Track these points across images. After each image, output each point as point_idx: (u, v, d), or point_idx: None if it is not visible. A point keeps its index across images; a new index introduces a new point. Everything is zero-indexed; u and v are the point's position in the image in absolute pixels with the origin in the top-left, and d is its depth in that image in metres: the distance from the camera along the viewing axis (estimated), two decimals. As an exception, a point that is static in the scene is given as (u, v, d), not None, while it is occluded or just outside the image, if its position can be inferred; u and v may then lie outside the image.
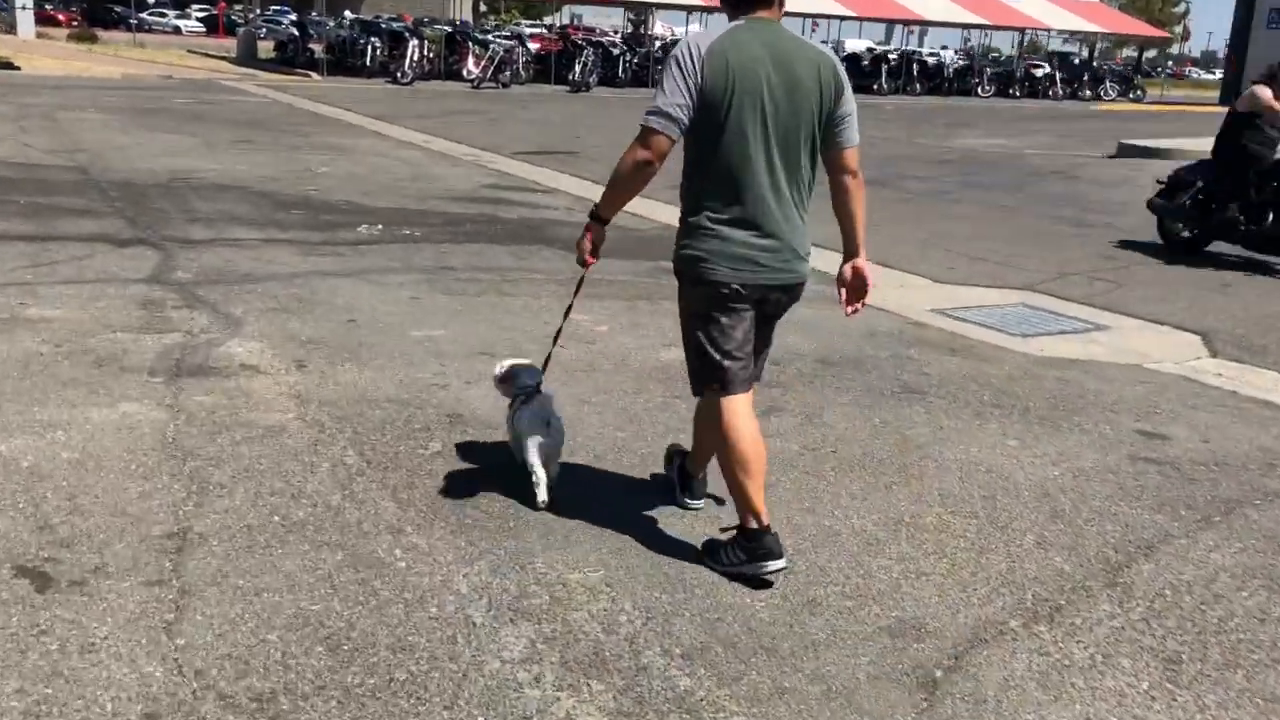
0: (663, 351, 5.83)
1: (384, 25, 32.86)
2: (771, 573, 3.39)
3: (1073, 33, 42.51)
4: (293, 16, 48.57)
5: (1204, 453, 4.82)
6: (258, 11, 44.13)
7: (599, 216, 3.49)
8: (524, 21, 60.44)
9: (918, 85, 36.91)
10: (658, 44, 35.67)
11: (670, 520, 3.81)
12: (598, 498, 3.97)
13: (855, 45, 45.35)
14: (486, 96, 25.82)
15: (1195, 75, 79.20)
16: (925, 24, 39.09)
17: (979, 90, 37.95)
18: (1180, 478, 4.50)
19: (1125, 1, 60.92)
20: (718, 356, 3.44)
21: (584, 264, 3.56)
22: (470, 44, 31.26)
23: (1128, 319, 7.40)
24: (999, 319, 7.35)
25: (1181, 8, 70.45)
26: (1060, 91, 39.30)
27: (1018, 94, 38.44)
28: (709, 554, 3.53)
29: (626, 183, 3.37)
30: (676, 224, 3.48)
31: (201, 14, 63.36)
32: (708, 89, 3.24)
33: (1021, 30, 43.40)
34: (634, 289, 7.46)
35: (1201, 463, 4.69)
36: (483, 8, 64.90)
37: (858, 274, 3.58)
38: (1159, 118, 26.37)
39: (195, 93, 22.30)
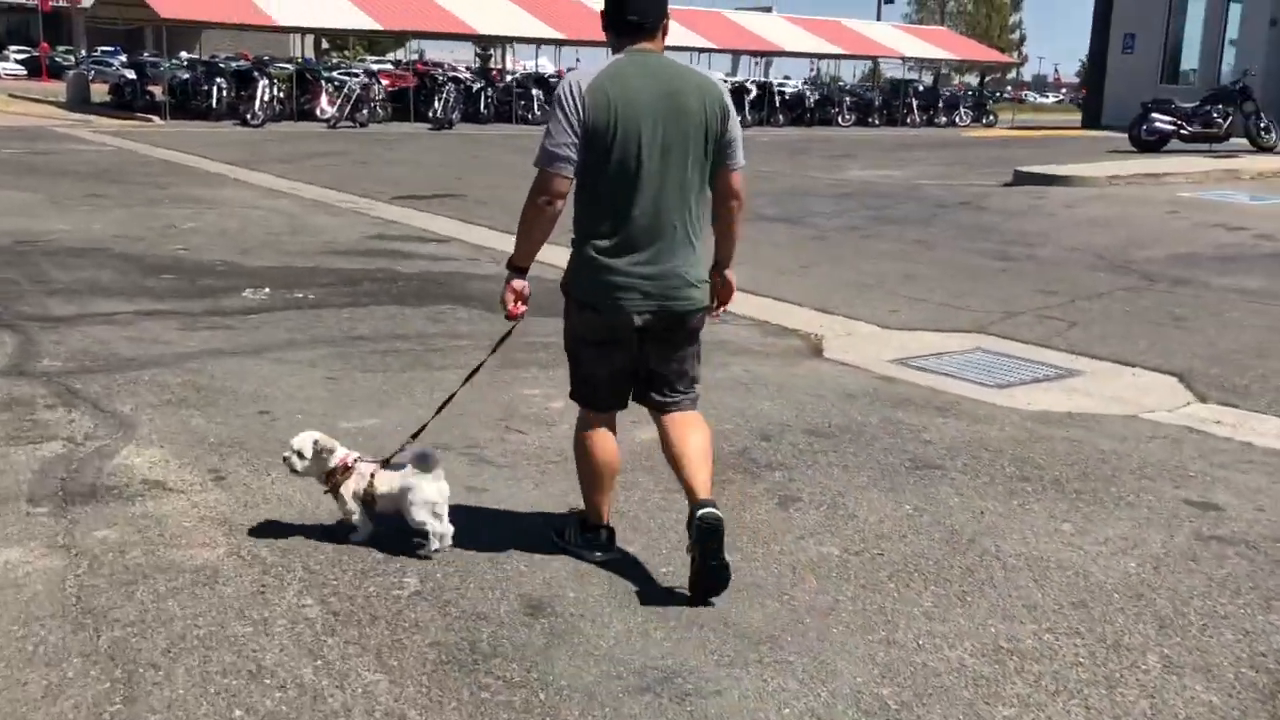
0: (637, 430, 5.12)
1: (226, 65, 31.43)
2: (599, 560, 3.75)
3: (924, 60, 43.50)
4: (123, 58, 46.31)
5: (1268, 525, 4.34)
6: (85, 53, 41.82)
7: (516, 266, 3.56)
8: (369, 58, 59.08)
9: (780, 116, 37.09)
10: (509, 78, 35.02)
11: (736, 671, 3.10)
12: (633, 642, 3.23)
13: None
14: (346, 137, 24.72)
15: (1032, 99, 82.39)
16: (783, 54, 39.42)
17: (839, 120, 38.31)
18: (1265, 560, 3.99)
19: (964, 28, 63.03)
20: (591, 381, 3.67)
21: (511, 318, 3.60)
22: (323, 82, 30.09)
23: (1095, 362, 7.00)
24: (964, 367, 6.86)
25: (1017, 34, 73.36)
26: (918, 119, 40.03)
27: (877, 122, 38.94)
28: (557, 534, 3.88)
29: (533, 229, 3.46)
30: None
31: (21, 56, 59.79)
32: (590, 124, 3.35)
33: (874, 58, 44.28)
34: (573, 353, 6.73)
35: (1275, 538, 4.20)
36: (325, 45, 63.14)
37: (728, 282, 3.76)
38: (1031, 144, 26.67)
39: (27, 142, 20.64)
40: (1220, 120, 19.14)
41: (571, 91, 3.37)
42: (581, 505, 3.87)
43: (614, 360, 3.61)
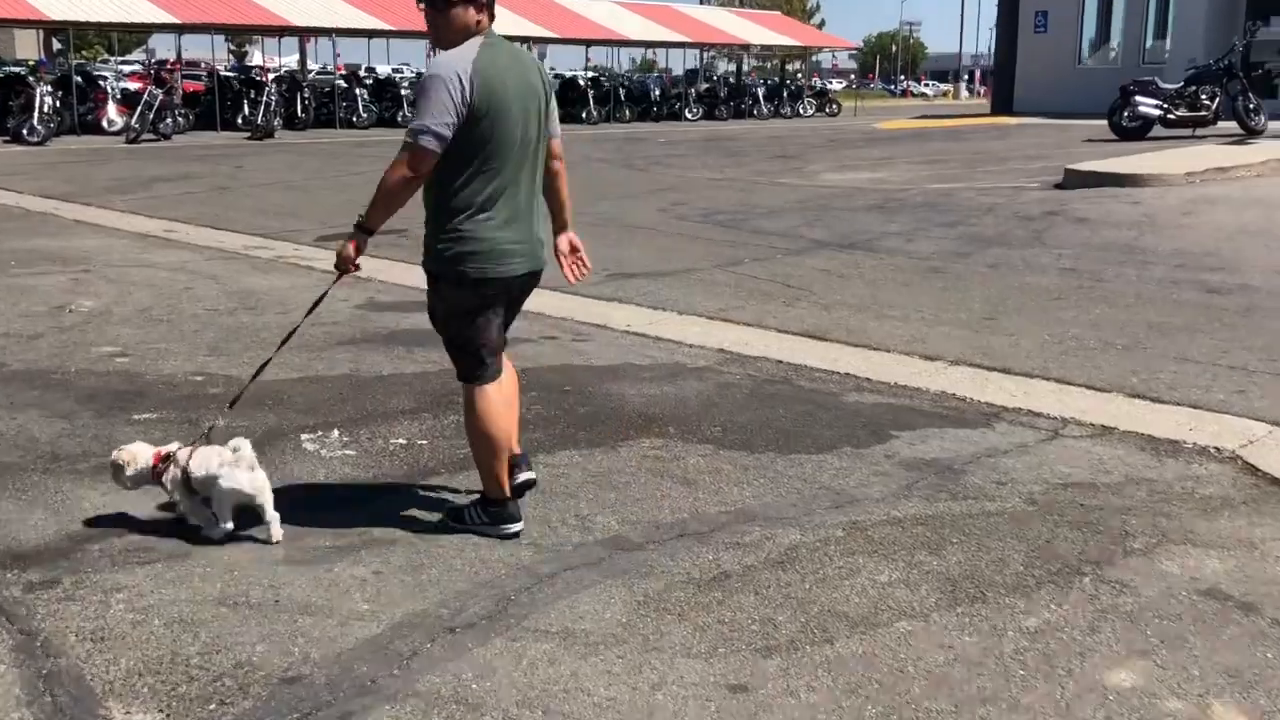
0: None
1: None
2: (512, 534, 3.95)
3: (768, 47, 41.96)
4: None
5: None
6: None
7: (366, 228, 3.77)
8: (113, 59, 53.87)
9: (627, 111, 34.70)
10: (335, 79, 31.19)
11: None
12: None
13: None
14: (162, 153, 20.64)
15: (819, 85, 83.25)
16: (628, 44, 37.00)
17: (686, 114, 36.27)
18: None
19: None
20: (483, 352, 3.89)
21: (348, 270, 3.86)
22: (109, 88, 25.67)
23: None
24: None
25: (817, 19, 73.49)
26: (764, 110, 38.43)
27: (724, 115, 37.10)
28: (453, 518, 4.05)
29: (394, 198, 3.72)
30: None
31: None
32: (477, 105, 3.62)
33: (706, 46, 42.47)
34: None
35: None
36: (57, 45, 56.59)
37: (574, 245, 4.18)
38: (978, 134, 23.61)
39: None
40: (1209, 102, 17.79)
41: (457, 74, 3.60)
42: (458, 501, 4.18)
43: (497, 322, 3.91)
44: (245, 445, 3.82)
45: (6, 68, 27.00)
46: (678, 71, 42.66)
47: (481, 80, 3.59)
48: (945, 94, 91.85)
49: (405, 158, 3.62)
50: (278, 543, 3.82)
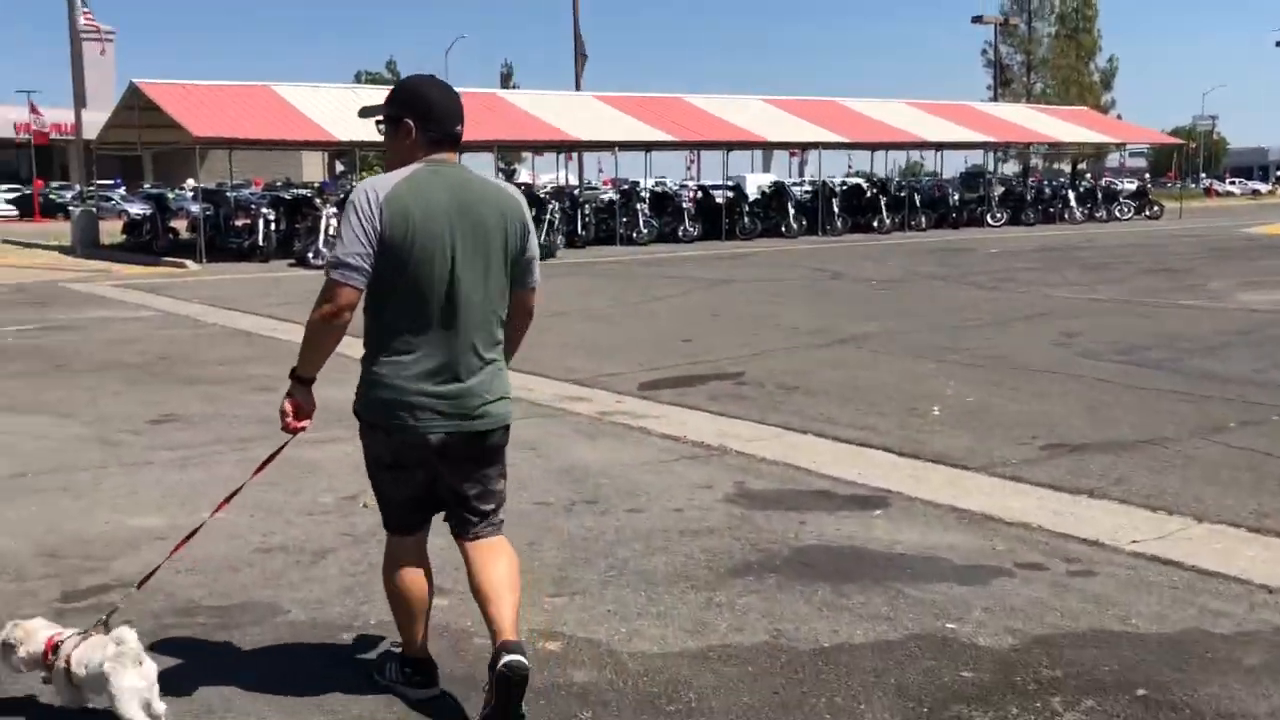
0: None
1: (261, 194, 26.95)
2: (420, 699, 3.59)
3: (1083, 145, 39.10)
4: (123, 190, 42.18)
5: None
6: (89, 186, 37.08)
7: (301, 377, 3.45)
8: None
9: (922, 218, 32.46)
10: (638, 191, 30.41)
11: None
12: None
13: (757, 180, 41.57)
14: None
15: (1116, 185, 78.30)
16: (929, 146, 34.96)
17: (989, 219, 33.75)
18: None
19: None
20: (394, 503, 3.58)
21: (291, 431, 3.48)
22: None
23: None
24: None
25: (1113, 115, 69.36)
26: (1078, 214, 35.51)
27: (1031, 220, 34.36)
28: (378, 670, 3.76)
29: (319, 339, 3.39)
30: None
31: (11, 195, 55.39)
32: (388, 236, 3.29)
33: (1011, 145, 39.89)
34: None
35: None
36: (340, 167, 59.13)
37: None
38: None
39: (36, 308, 15.72)
40: None
41: (368, 199, 3.32)
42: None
43: (412, 483, 3.53)
44: (130, 635, 3.39)
45: (295, 190, 27.36)
46: (947, 174, 40.43)
47: (395, 209, 3.29)
48: (1266, 192, 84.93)
49: (323, 295, 3.31)
50: None
